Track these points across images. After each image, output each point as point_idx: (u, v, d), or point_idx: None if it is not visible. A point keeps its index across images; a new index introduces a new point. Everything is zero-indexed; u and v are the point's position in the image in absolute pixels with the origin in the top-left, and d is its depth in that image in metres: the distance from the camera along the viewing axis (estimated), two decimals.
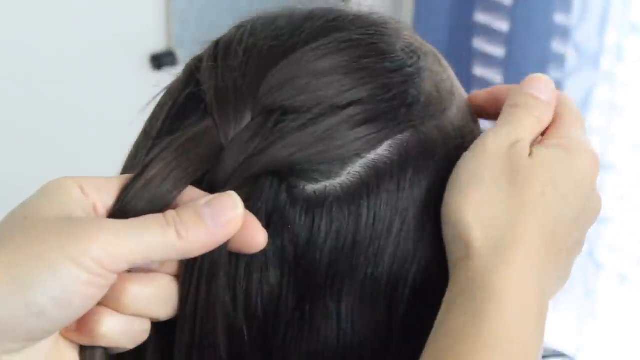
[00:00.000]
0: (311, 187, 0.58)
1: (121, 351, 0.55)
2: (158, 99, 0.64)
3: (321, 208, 0.58)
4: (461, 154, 0.61)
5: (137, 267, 0.54)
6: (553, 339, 2.22)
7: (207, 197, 0.54)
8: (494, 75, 2.20)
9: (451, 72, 0.67)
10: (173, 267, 0.56)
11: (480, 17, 2.19)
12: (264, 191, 0.57)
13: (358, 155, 0.58)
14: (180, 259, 0.55)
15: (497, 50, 2.18)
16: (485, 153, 0.60)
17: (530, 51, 2.01)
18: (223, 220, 0.53)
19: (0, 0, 1.90)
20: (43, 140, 2.02)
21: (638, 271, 2.08)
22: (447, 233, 0.59)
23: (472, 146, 0.61)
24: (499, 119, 0.64)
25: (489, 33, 2.20)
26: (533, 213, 0.58)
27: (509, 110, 0.63)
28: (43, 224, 0.52)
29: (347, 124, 0.58)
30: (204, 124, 0.57)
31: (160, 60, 2.10)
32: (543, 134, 0.64)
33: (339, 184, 0.58)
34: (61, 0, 1.96)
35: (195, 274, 0.55)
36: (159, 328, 0.57)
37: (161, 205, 0.54)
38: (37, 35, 1.94)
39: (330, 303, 0.59)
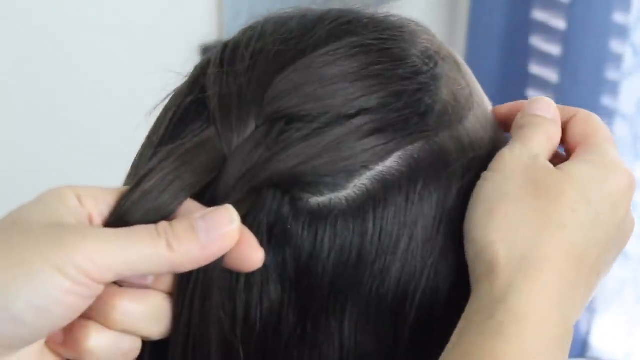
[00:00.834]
0: (315, 200, 0.55)
1: None
2: (166, 101, 0.62)
3: (325, 222, 0.55)
4: (479, 166, 0.59)
5: (130, 283, 0.52)
6: (602, 343, 2.20)
7: (204, 211, 0.52)
8: (550, 74, 2.17)
9: (472, 79, 0.64)
10: (167, 284, 0.53)
11: (538, 15, 2.17)
12: (266, 204, 0.55)
13: (365, 167, 0.55)
14: (171, 272, 0.52)
15: (553, 49, 2.16)
16: (506, 168, 0.58)
17: (587, 50, 1.99)
18: (217, 235, 0.51)
19: None
20: (90, 131, 2.03)
21: None
22: (470, 250, 0.56)
23: (492, 162, 0.59)
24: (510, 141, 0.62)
25: (546, 31, 2.17)
26: (561, 230, 0.56)
27: (517, 132, 0.61)
28: (30, 230, 0.50)
29: (354, 134, 0.55)
30: (206, 133, 0.55)
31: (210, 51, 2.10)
32: (569, 154, 0.62)
33: (345, 197, 0.55)
34: None
35: (189, 290, 0.53)
36: (153, 347, 0.55)
37: (159, 217, 0.52)
38: (86, 27, 1.95)
39: (332, 319, 0.57)
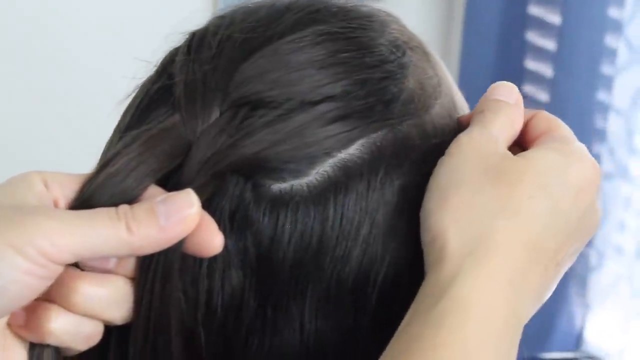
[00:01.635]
0: (277, 186, 0.55)
1: (72, 353, 0.54)
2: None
3: (286, 208, 0.55)
4: (439, 154, 0.58)
5: (92, 267, 0.53)
6: (596, 338, 2.20)
7: (165, 195, 0.52)
8: (545, 69, 2.17)
9: (441, 69, 0.64)
10: (129, 269, 0.54)
11: (533, 10, 2.17)
12: (228, 189, 0.55)
13: (328, 154, 0.56)
14: (131, 255, 0.53)
15: (549, 44, 2.16)
16: (461, 153, 0.57)
17: (582, 45, 1.99)
18: (177, 218, 0.51)
19: None
20: (90, 127, 2.03)
21: None
22: (425, 237, 0.56)
23: (450, 146, 0.58)
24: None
25: (542, 26, 2.17)
26: (515, 217, 0.55)
27: (477, 116, 0.60)
28: None
29: (318, 121, 0.55)
30: (171, 119, 0.55)
31: None
32: (531, 141, 0.61)
33: (306, 183, 0.55)
34: None
35: (150, 273, 0.53)
36: (119, 333, 0.55)
37: (123, 202, 0.52)
38: (82, 22, 1.95)
39: (293, 305, 0.57)
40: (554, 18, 2.12)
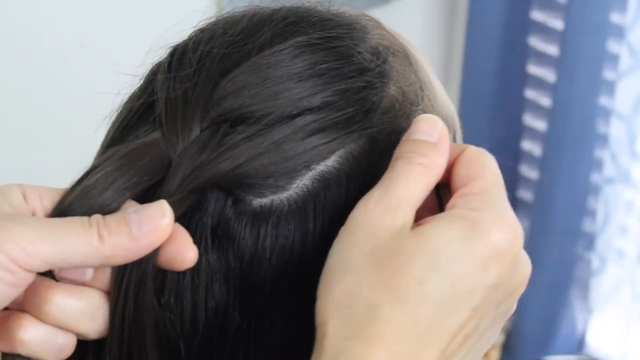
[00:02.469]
0: (258, 202, 0.55)
1: None
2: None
3: (266, 223, 0.55)
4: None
5: (67, 279, 0.53)
6: (598, 342, 2.20)
7: (138, 206, 0.52)
8: (547, 74, 2.18)
9: (424, 72, 0.63)
10: (104, 282, 0.53)
11: (536, 15, 2.18)
12: (209, 205, 0.55)
13: (307, 167, 0.55)
14: (103, 265, 0.52)
15: (551, 49, 2.16)
16: (352, 230, 0.53)
17: (585, 50, 2.00)
18: (148, 228, 0.51)
19: None
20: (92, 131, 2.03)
21: None
22: (315, 318, 0.53)
23: (349, 216, 0.53)
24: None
25: (544, 31, 2.18)
26: (401, 306, 0.50)
27: (390, 167, 0.54)
28: None
29: (297, 134, 0.55)
30: (151, 135, 0.55)
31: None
32: (453, 190, 0.55)
33: (286, 197, 0.55)
34: None
35: (123, 286, 0.53)
36: (95, 346, 0.55)
37: (101, 214, 0.52)
38: (86, 24, 1.95)
39: (277, 317, 0.57)
40: (557, 23, 2.13)
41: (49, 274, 0.52)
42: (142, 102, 0.58)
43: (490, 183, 0.55)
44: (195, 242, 0.53)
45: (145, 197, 0.54)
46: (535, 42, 2.20)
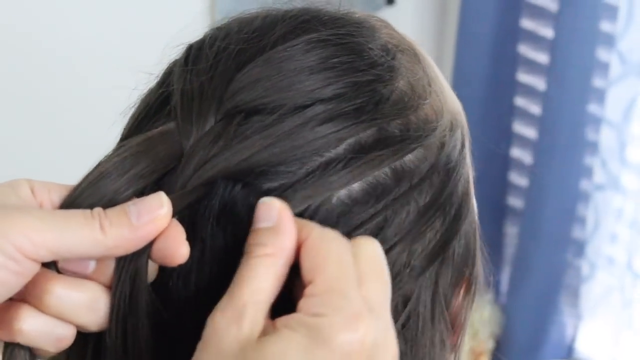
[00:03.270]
0: (267, 185, 0.56)
1: (43, 355, 0.54)
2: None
3: None
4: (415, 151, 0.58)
5: (70, 272, 0.53)
6: (588, 349, 2.21)
7: (135, 200, 0.53)
8: (537, 82, 2.19)
9: (432, 70, 0.64)
10: (106, 276, 0.54)
11: (526, 23, 2.19)
12: (218, 191, 0.55)
13: (318, 154, 0.56)
14: (105, 256, 0.53)
15: (541, 57, 2.17)
16: (205, 349, 0.51)
17: (575, 58, 2.01)
18: (147, 218, 0.52)
19: None
20: (84, 132, 2.03)
21: None
22: None
23: (202, 336, 0.52)
24: None
25: (534, 39, 2.19)
26: None
27: (235, 275, 0.53)
28: None
29: (308, 124, 0.56)
30: (166, 126, 0.56)
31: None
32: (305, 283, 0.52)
33: (295, 181, 0.56)
34: None
35: (121, 280, 0.54)
36: (96, 339, 0.56)
37: (115, 201, 0.53)
38: (79, 28, 1.95)
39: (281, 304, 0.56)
40: (547, 32, 2.14)
41: (52, 267, 0.53)
42: (158, 95, 0.60)
43: (334, 277, 0.51)
44: (202, 224, 0.55)
45: (158, 185, 0.55)
46: (526, 50, 2.21)
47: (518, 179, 2.29)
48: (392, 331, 0.53)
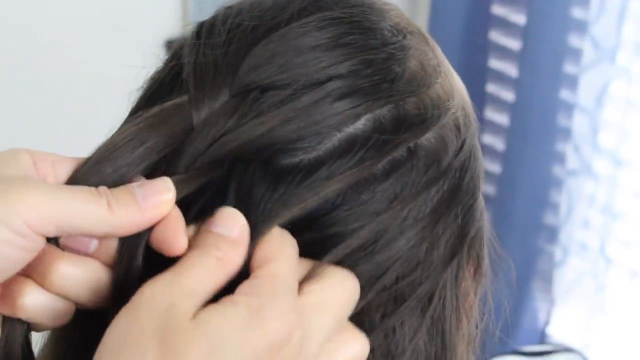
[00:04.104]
0: (287, 162, 0.56)
1: (40, 330, 0.54)
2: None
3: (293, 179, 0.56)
4: (430, 126, 0.59)
5: (73, 249, 0.53)
6: (561, 334, 2.22)
7: (141, 181, 0.53)
8: (509, 68, 2.19)
9: (439, 53, 0.66)
10: (109, 255, 0.54)
11: (498, 10, 2.19)
12: (235, 168, 0.56)
13: (337, 129, 0.56)
14: (109, 235, 0.53)
15: (513, 43, 2.18)
16: (136, 310, 0.50)
17: (547, 44, 2.01)
18: (153, 201, 0.52)
19: None
20: (54, 127, 2.02)
21: None
22: None
23: (131, 300, 0.51)
24: None
25: (506, 26, 2.19)
26: None
27: (185, 254, 0.53)
28: None
29: (325, 99, 0.56)
30: (177, 100, 0.56)
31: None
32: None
33: (314, 157, 0.56)
34: None
35: (119, 258, 0.54)
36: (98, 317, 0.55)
37: (126, 176, 0.53)
38: (51, 20, 1.94)
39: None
40: (519, 18, 2.14)
41: (53, 243, 0.53)
42: (168, 71, 0.60)
43: (285, 268, 0.52)
44: (217, 198, 0.55)
45: (167, 160, 0.55)
46: (497, 36, 2.22)
47: (490, 166, 2.29)
48: None
